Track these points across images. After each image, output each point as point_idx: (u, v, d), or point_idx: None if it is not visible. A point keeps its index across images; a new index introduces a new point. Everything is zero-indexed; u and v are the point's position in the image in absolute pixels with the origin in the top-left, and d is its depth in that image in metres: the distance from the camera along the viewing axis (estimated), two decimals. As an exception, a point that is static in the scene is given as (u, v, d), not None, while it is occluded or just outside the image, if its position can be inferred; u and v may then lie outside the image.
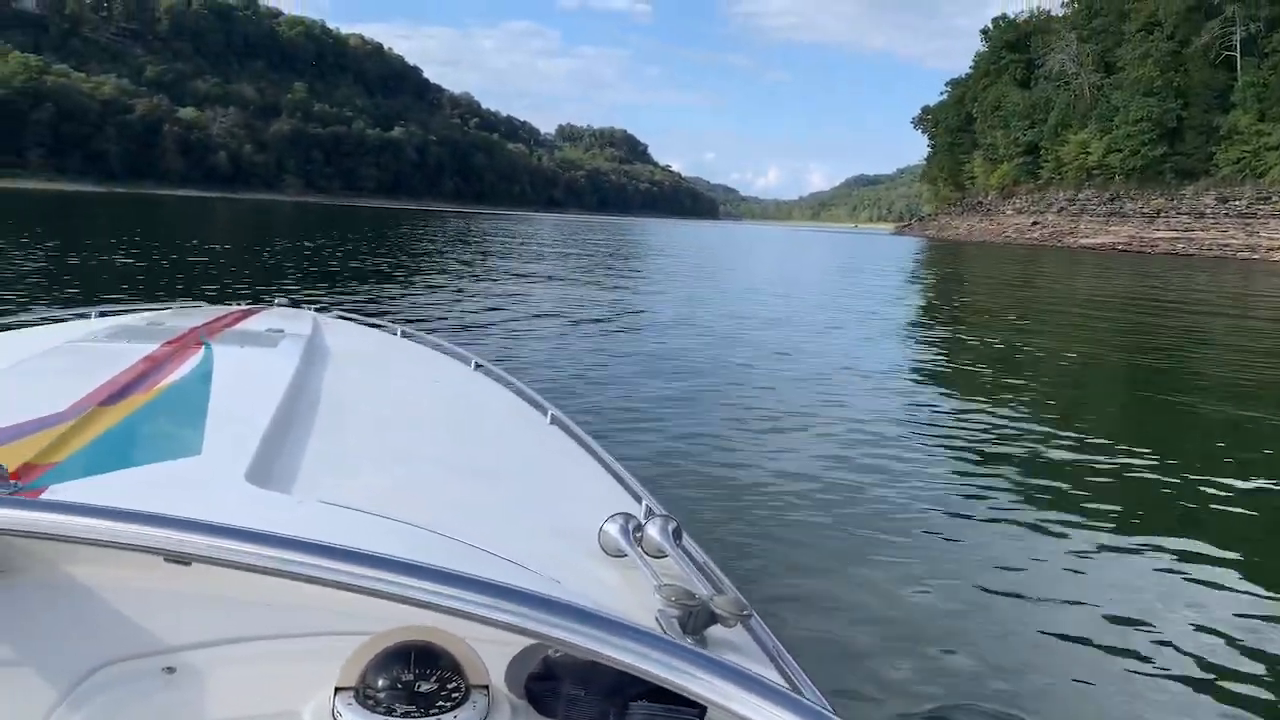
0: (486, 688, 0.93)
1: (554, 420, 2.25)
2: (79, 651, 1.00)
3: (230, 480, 1.33)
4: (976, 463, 6.39)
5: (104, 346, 2.29)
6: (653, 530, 1.31)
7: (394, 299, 14.86)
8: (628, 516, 1.35)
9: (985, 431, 7.30)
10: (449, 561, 0.81)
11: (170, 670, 0.98)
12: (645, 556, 1.26)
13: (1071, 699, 3.29)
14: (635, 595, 1.15)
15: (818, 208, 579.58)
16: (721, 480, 5.66)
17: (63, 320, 2.93)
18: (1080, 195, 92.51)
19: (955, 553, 4.63)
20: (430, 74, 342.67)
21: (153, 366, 2.01)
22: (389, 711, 0.86)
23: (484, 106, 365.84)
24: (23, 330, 2.71)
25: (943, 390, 9.62)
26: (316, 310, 3.66)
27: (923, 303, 22.11)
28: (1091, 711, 3.24)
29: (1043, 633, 3.76)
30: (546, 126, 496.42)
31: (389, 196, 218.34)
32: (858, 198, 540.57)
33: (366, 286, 16.76)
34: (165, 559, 0.88)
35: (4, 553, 1.11)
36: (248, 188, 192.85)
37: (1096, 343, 14.76)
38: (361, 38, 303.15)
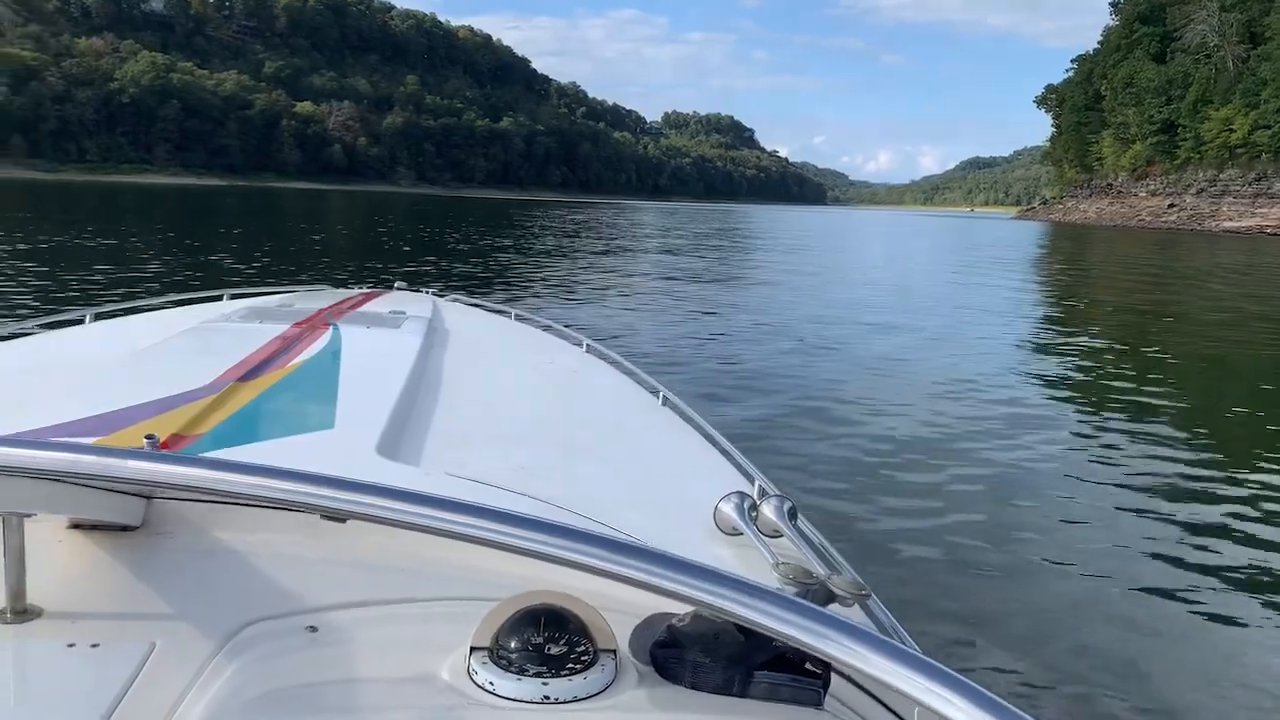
0: (614, 652, 0.94)
1: (666, 402, 2.28)
2: (229, 609, 1.06)
3: (362, 453, 1.42)
4: (1107, 462, 6.14)
5: (238, 326, 2.44)
6: (768, 509, 1.31)
7: (505, 286, 15.65)
8: (743, 495, 1.36)
9: (1126, 433, 6.99)
10: None
11: (313, 629, 1.03)
12: (761, 535, 1.27)
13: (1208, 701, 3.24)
14: (752, 573, 1.11)
15: (930, 191, 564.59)
16: (835, 463, 5.74)
17: (196, 302, 3.02)
18: (1222, 175, 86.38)
19: (1081, 545, 4.60)
20: (539, 65, 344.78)
21: (285, 345, 2.14)
22: (521, 671, 0.89)
23: (590, 95, 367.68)
24: (161, 311, 2.86)
25: (1075, 391, 9.07)
26: (435, 294, 3.77)
27: (1055, 300, 20.03)
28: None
29: (1169, 632, 3.75)
30: (652, 114, 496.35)
31: (498, 187, 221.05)
32: (972, 180, 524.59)
33: (479, 273, 17.57)
34: (321, 516, 0.96)
35: (159, 515, 1.21)
36: (361, 180, 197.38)
37: (1253, 344, 12.88)
38: (471, 29, 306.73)
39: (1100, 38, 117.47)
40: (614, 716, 0.88)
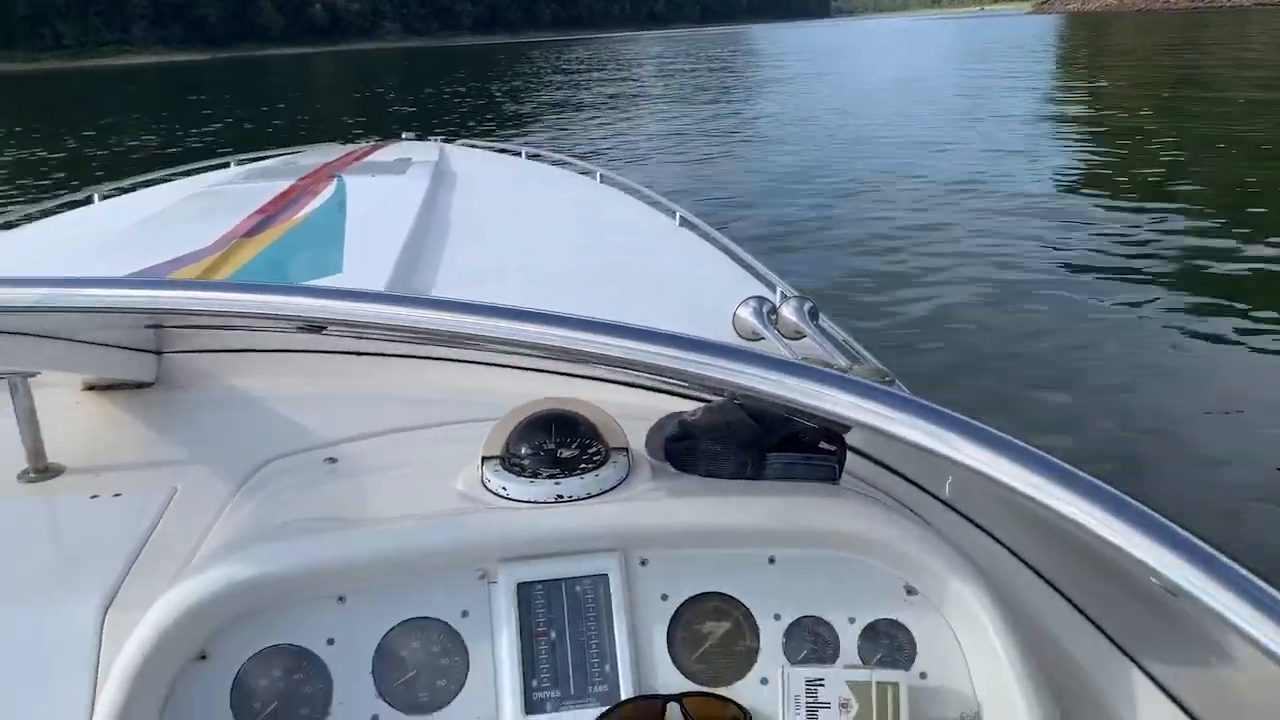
0: (626, 450, 0.94)
1: (682, 221, 2.28)
2: (248, 450, 1.09)
3: None
4: (1126, 259, 6.03)
5: (243, 186, 2.45)
6: (788, 311, 1.29)
7: (509, 133, 15.51)
8: (761, 300, 1.34)
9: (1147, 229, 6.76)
10: None
11: (332, 460, 1.05)
12: (782, 337, 1.25)
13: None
14: None
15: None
16: (856, 268, 5.86)
17: (202, 171, 3.04)
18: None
19: (1101, 329, 4.73)
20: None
21: (289, 200, 2.17)
22: (535, 475, 0.89)
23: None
24: (167, 183, 2.85)
25: (1096, 188, 8.60)
26: (442, 140, 3.71)
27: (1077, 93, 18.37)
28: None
29: (1161, 406, 3.89)
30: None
31: (487, 33, 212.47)
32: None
33: (481, 123, 17.59)
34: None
35: (173, 370, 1.25)
36: (346, 38, 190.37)
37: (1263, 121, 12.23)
38: None
39: None
40: (629, 508, 0.88)
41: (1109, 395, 3.95)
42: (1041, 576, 0.99)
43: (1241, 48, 28.71)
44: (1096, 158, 10.41)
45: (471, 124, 17.65)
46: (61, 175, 12.90)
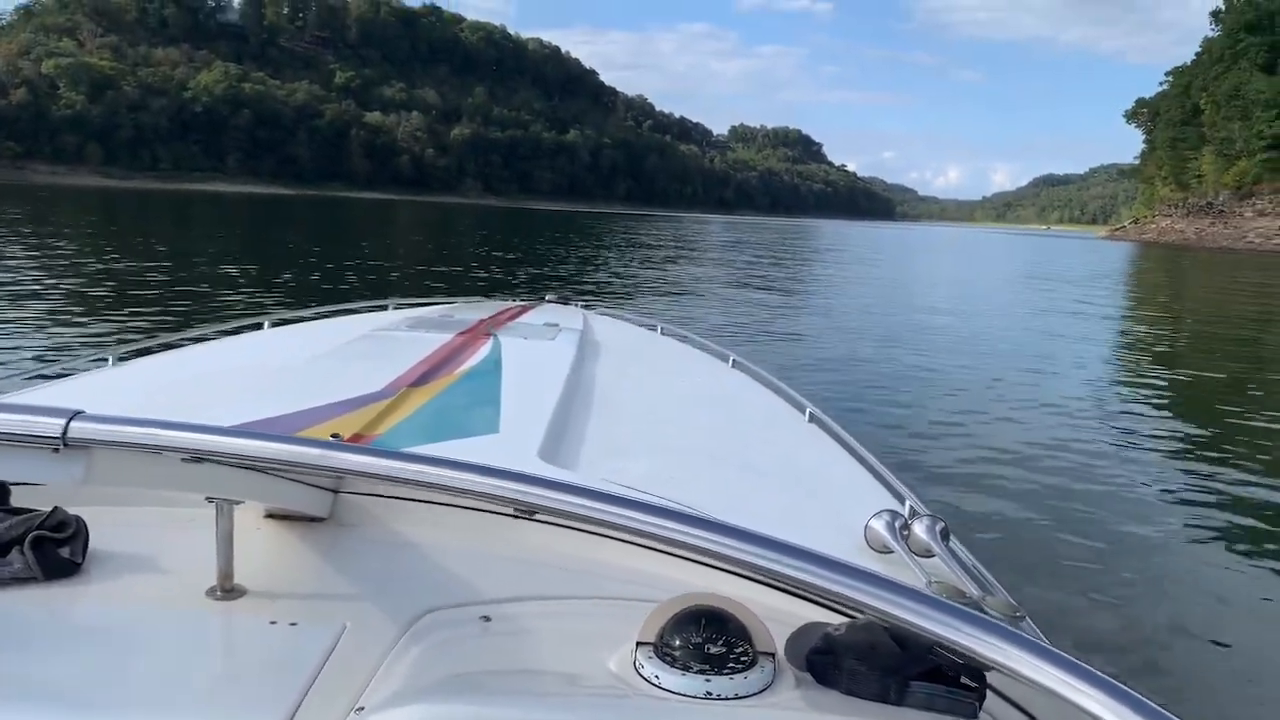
0: (772, 655, 0.96)
1: (812, 418, 2.30)
2: (411, 596, 1.15)
3: (525, 457, 1.48)
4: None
5: (407, 334, 2.61)
6: (919, 528, 1.30)
7: (613, 294, 16.11)
8: (894, 514, 1.35)
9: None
10: None
11: (486, 619, 1.09)
12: (913, 554, 1.26)
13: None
14: None
15: (1002, 208, 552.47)
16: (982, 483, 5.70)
17: (364, 311, 3.28)
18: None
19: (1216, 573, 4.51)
20: (609, 77, 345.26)
21: (451, 353, 2.29)
22: (685, 668, 0.91)
23: (658, 109, 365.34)
24: (333, 319, 3.07)
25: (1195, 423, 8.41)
26: (584, 307, 3.93)
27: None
28: None
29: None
30: (719, 127, 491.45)
31: (564, 199, 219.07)
32: (1046, 197, 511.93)
33: (565, 282, 18.05)
34: (512, 514, 1.02)
35: (345, 508, 1.33)
36: (429, 190, 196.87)
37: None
38: (540, 41, 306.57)
39: (1199, 48, 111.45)
40: (773, 715, 0.89)
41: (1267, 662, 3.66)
42: None
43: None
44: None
45: (552, 282, 18.09)
46: (140, 290, 13.11)
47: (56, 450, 0.91)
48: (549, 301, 3.93)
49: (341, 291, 14.47)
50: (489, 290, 15.40)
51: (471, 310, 3.28)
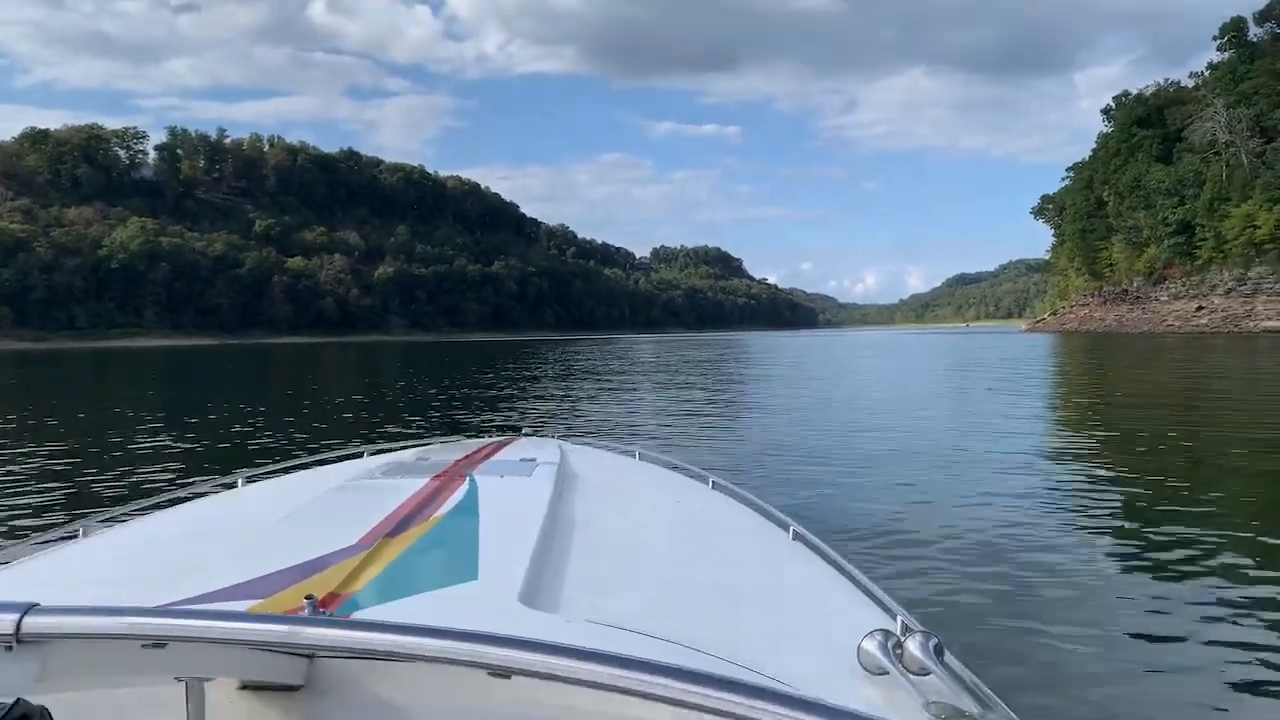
0: None
1: (796, 536, 2.30)
2: None
3: (506, 602, 1.46)
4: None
5: (381, 482, 2.56)
6: (913, 646, 1.27)
7: (524, 419, 15.97)
8: (886, 633, 1.33)
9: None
10: None
11: None
12: (908, 674, 1.24)
13: None
14: (902, 714, 1.15)
15: (920, 309, 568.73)
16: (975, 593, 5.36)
17: (335, 460, 3.23)
18: (1251, 273, 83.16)
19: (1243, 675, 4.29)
20: (530, 209, 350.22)
21: (428, 498, 2.26)
22: None
23: (580, 236, 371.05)
24: (307, 471, 3.02)
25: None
26: (560, 438, 3.88)
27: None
28: None
29: None
30: (641, 250, 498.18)
31: (492, 330, 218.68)
32: (961, 296, 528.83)
33: (497, 410, 17.91)
34: (489, 673, 0.98)
35: (321, 674, 1.28)
36: (354, 331, 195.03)
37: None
38: (459, 178, 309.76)
39: (1095, 144, 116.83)
40: None
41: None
42: None
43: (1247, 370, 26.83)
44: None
45: (485, 411, 17.94)
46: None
47: (9, 648, 0.85)
48: (525, 435, 3.86)
49: (271, 443, 13.17)
50: (432, 430, 14.38)
51: (447, 451, 3.21)
